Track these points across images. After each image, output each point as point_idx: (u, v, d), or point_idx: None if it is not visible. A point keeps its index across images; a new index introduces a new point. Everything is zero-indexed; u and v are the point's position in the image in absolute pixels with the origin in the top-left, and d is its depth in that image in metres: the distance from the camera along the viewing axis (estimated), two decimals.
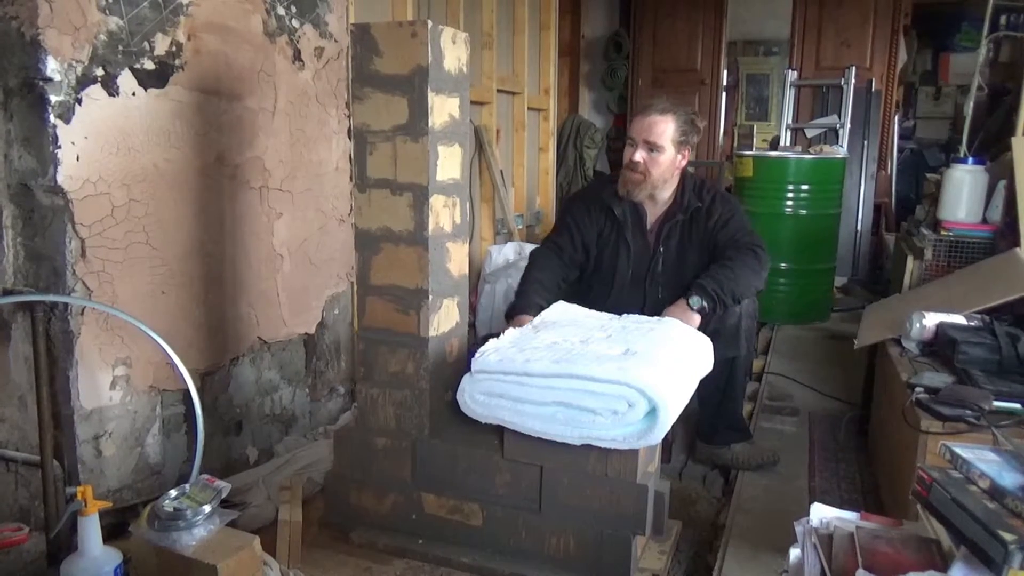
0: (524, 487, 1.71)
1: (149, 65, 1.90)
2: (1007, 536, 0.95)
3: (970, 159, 3.14)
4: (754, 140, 6.08)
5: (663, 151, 2.19)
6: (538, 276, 2.28)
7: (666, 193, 2.28)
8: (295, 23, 2.36)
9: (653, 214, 2.31)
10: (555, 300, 2.15)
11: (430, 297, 1.74)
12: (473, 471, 1.76)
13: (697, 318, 2.03)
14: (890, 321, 2.39)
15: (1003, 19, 3.73)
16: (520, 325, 1.97)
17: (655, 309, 2.23)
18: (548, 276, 2.28)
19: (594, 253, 2.33)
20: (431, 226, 1.72)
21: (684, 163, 2.26)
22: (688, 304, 2.04)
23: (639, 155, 2.20)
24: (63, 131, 1.72)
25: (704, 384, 1.90)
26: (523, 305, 2.16)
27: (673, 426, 1.61)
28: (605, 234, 2.32)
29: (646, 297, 2.30)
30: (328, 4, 2.48)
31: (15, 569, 1.72)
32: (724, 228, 2.23)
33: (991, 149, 3.42)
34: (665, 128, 2.18)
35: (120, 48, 1.82)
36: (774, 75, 6.24)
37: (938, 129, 6.39)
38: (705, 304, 2.04)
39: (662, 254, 2.29)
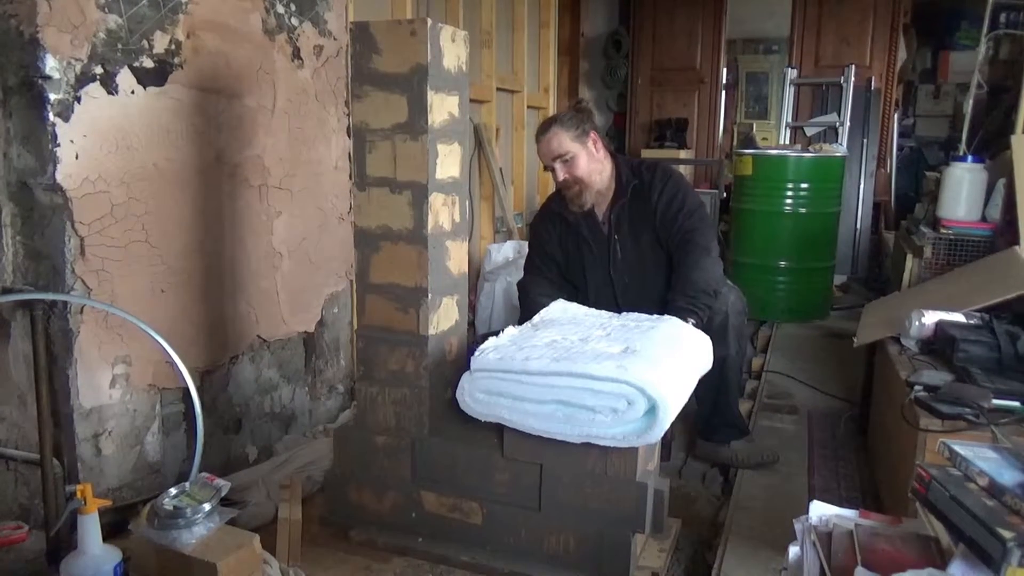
0: (524, 485, 1.71)
1: (148, 63, 1.90)
2: (1006, 533, 0.94)
3: (969, 157, 3.13)
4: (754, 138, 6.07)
5: (575, 156, 2.23)
6: (538, 290, 2.33)
7: (605, 181, 2.31)
8: (294, 21, 2.35)
9: (600, 205, 2.35)
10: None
11: (429, 295, 1.74)
12: (473, 469, 1.76)
13: None
14: (889, 319, 2.39)
15: (1003, 17, 3.73)
16: None
17: (625, 298, 2.29)
18: (546, 292, 2.31)
19: (562, 262, 2.40)
20: (430, 224, 1.72)
21: (601, 145, 2.28)
22: None
23: (560, 173, 2.26)
24: (62, 129, 1.72)
25: (700, 383, 1.90)
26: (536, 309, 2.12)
27: (673, 424, 1.61)
28: (566, 241, 2.38)
29: (615, 287, 2.35)
30: (327, 2, 2.48)
31: (15, 567, 1.72)
32: (670, 209, 2.25)
33: (991, 147, 3.42)
34: (559, 139, 2.22)
35: (119, 46, 1.82)
36: (773, 73, 6.24)
37: (938, 127, 6.39)
38: (692, 321, 2.05)
39: (618, 240, 2.33)
